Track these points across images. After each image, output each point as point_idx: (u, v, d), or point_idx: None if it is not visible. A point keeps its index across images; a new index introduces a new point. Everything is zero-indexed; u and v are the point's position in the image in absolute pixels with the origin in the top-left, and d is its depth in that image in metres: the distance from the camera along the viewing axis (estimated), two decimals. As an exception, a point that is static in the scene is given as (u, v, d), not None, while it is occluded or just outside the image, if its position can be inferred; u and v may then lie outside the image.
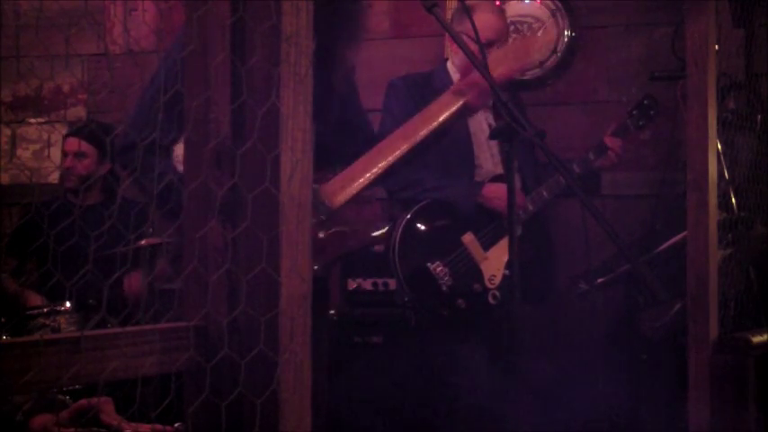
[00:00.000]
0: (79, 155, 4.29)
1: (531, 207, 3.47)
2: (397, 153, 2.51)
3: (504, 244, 3.34)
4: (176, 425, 1.51)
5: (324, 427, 2.51)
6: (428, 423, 3.58)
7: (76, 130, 4.39)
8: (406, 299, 3.32)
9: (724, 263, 2.85)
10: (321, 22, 2.42)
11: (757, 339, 2.69)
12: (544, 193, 3.49)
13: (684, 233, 2.74)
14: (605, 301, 4.23)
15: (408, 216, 3.34)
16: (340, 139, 2.57)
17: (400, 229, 3.32)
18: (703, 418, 2.57)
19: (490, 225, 3.41)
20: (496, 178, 3.49)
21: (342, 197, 2.41)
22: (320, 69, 2.48)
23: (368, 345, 3.91)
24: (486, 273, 3.36)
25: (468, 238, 3.37)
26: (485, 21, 3.45)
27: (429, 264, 3.31)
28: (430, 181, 3.44)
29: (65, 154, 4.33)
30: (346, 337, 3.83)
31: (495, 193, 3.39)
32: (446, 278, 3.31)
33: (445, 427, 3.44)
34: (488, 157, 3.54)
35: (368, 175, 2.45)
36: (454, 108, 2.63)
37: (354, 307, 3.91)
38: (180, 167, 1.29)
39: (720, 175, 2.94)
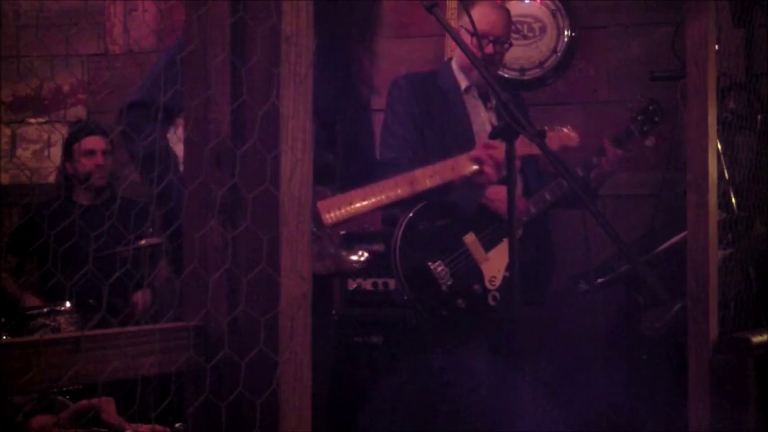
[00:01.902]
0: (108, 152, 4.34)
1: (533, 210, 3.46)
2: (400, 194, 2.56)
3: (505, 245, 3.33)
4: (176, 425, 1.51)
5: (324, 428, 2.51)
6: (428, 423, 3.58)
7: (96, 129, 4.40)
8: (405, 297, 3.31)
9: (724, 263, 2.85)
10: (337, 20, 2.43)
11: (757, 339, 2.69)
12: (546, 196, 3.48)
13: (684, 233, 2.74)
14: (605, 301, 4.23)
15: (410, 215, 3.33)
16: (344, 158, 2.57)
17: (402, 228, 3.31)
18: (703, 418, 2.57)
19: (492, 226, 3.40)
20: (499, 179, 3.47)
21: (334, 217, 2.41)
22: (338, 74, 2.49)
23: (368, 345, 3.91)
24: (487, 274, 3.35)
25: (469, 238, 3.36)
26: (482, 14, 3.45)
27: (429, 263, 3.30)
28: None
29: (90, 152, 4.33)
30: (346, 337, 3.83)
31: (498, 195, 3.37)
32: (446, 278, 3.30)
33: (445, 428, 3.44)
34: None
35: (364, 205, 2.48)
36: (467, 172, 2.70)
37: (354, 307, 3.91)
38: (177, 148, 1.29)
39: (720, 175, 2.94)
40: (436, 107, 3.51)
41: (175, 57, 1.37)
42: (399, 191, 2.55)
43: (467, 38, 3.39)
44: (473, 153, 2.71)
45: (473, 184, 2.76)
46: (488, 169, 2.67)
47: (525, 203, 3.41)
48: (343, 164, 2.54)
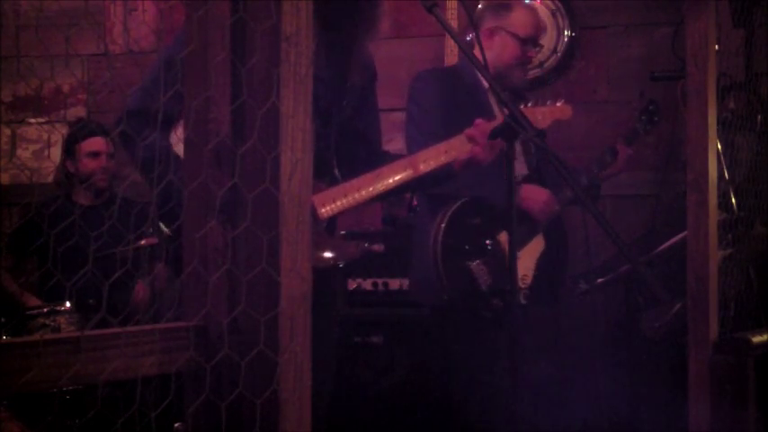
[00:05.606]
0: (110, 154, 4.33)
1: (557, 207, 3.40)
2: (397, 180, 2.48)
3: (533, 244, 3.30)
4: (176, 425, 1.51)
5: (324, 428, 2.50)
6: (428, 423, 3.58)
7: (99, 130, 4.38)
8: (445, 298, 3.19)
9: (724, 263, 2.85)
10: (339, 16, 2.41)
11: (757, 339, 2.69)
12: (568, 193, 3.42)
13: (684, 233, 2.74)
14: (605, 301, 4.23)
15: (451, 213, 3.19)
16: (344, 145, 2.53)
17: (443, 227, 3.18)
18: (703, 418, 2.57)
19: (522, 225, 3.31)
20: (526, 178, 3.42)
21: (329, 210, 2.36)
22: (336, 64, 2.47)
23: (368, 345, 3.91)
24: (519, 272, 3.26)
25: (504, 236, 3.27)
26: (525, 18, 3.39)
27: (469, 262, 3.19)
28: (466, 176, 3.23)
29: (94, 154, 4.32)
30: (346, 337, 3.82)
31: (531, 195, 3.32)
32: (486, 277, 3.20)
33: (445, 428, 3.43)
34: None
35: (360, 194, 2.41)
36: (461, 155, 2.61)
37: (354, 307, 3.91)
38: (178, 148, 1.29)
39: (720, 175, 2.94)
40: (463, 104, 3.37)
41: (172, 58, 1.37)
42: (394, 178, 2.47)
43: (509, 41, 3.34)
44: (467, 132, 2.62)
45: (471, 165, 2.68)
46: (476, 149, 2.61)
47: (554, 204, 3.36)
48: (336, 155, 2.49)
